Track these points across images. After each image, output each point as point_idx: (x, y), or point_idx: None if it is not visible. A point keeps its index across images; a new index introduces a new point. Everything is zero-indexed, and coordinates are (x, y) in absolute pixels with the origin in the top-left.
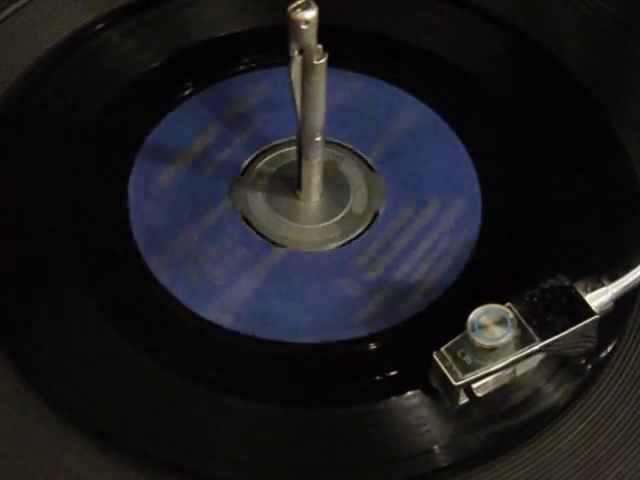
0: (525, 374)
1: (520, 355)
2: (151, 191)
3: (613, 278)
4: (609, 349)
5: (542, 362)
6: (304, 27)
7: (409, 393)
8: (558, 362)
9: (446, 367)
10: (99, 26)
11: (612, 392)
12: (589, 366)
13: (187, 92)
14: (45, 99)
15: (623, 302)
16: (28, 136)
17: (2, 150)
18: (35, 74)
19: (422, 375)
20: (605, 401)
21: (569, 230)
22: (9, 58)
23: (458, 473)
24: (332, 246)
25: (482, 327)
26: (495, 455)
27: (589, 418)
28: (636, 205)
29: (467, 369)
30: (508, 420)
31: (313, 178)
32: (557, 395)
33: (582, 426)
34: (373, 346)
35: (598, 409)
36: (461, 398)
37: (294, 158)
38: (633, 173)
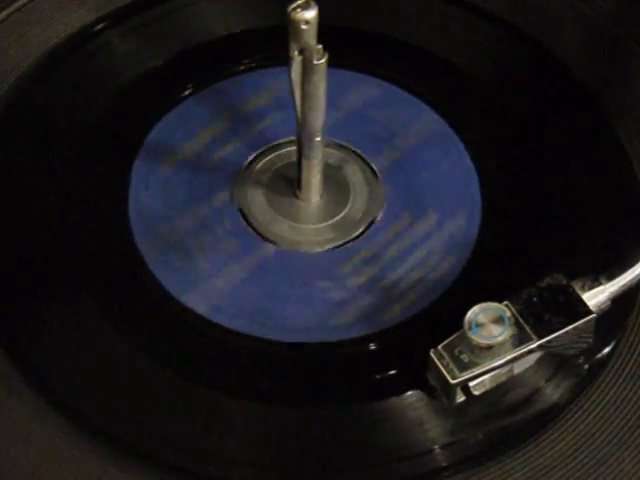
0: (523, 373)
1: (517, 353)
2: (151, 191)
3: (611, 277)
4: (610, 348)
5: (542, 361)
6: (304, 27)
7: (407, 393)
8: (558, 361)
9: (443, 365)
10: (99, 26)
11: (613, 392)
12: (589, 366)
13: (187, 92)
14: (45, 99)
15: (623, 302)
16: (28, 136)
17: (2, 150)
18: (35, 74)
19: (420, 375)
20: (606, 400)
21: (567, 229)
22: (9, 58)
23: (457, 473)
24: (330, 246)
25: (479, 325)
26: (494, 455)
27: (589, 418)
28: (634, 205)
29: (464, 367)
30: (506, 419)
31: (313, 178)
32: (556, 395)
33: (582, 427)
34: (371, 346)
35: (599, 409)
36: (458, 396)
37: (294, 158)
38: (632, 173)
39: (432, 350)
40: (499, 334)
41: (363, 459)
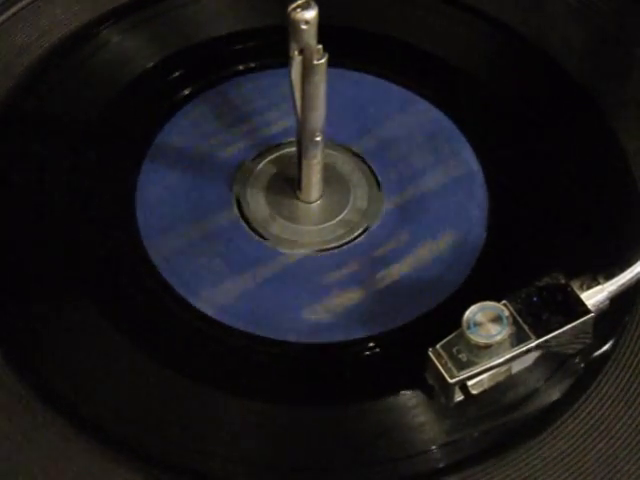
0: (521, 373)
1: (515, 353)
2: (154, 192)
3: (609, 276)
4: (608, 348)
5: (540, 361)
6: (304, 27)
7: (406, 393)
8: (556, 361)
9: (441, 364)
10: (99, 26)
11: (612, 391)
12: (588, 365)
13: (187, 93)
14: (45, 99)
15: (622, 301)
16: (28, 136)
17: (3, 149)
18: (35, 74)
19: (419, 375)
20: (606, 400)
21: (566, 228)
22: (9, 58)
23: (455, 473)
24: (331, 247)
25: (477, 324)
26: (492, 455)
27: (588, 418)
28: (633, 204)
29: (462, 366)
30: (504, 419)
31: (313, 178)
32: (555, 395)
33: (581, 426)
34: (371, 347)
35: (598, 409)
36: (456, 396)
37: (295, 159)
38: (630, 173)
39: (430, 349)
40: (497, 333)
41: (362, 459)
